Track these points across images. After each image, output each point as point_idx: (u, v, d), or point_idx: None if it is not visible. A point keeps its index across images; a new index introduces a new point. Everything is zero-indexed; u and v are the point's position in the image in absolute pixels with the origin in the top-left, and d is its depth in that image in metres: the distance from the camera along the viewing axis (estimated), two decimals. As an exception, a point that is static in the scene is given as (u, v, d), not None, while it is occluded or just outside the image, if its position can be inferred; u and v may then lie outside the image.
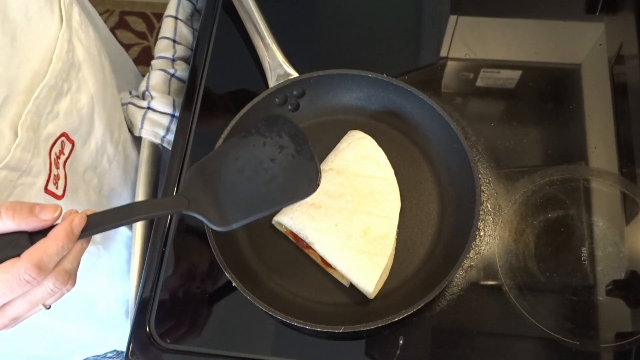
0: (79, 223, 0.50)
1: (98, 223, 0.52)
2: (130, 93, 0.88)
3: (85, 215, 0.51)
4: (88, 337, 0.90)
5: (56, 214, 0.49)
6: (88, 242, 0.54)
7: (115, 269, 0.83)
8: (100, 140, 0.74)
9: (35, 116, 0.60)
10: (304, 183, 0.62)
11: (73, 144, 0.68)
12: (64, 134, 0.66)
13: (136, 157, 0.87)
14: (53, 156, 0.64)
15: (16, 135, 0.57)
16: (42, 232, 0.49)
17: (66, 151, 0.67)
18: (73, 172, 0.69)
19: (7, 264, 0.47)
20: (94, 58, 0.72)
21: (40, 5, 0.60)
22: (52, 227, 0.49)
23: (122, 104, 0.86)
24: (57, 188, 0.65)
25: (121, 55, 0.96)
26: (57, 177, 0.65)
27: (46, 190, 0.62)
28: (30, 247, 0.48)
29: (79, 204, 0.69)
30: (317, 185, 0.61)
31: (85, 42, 0.70)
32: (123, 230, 0.81)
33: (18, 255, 0.47)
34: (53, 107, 0.63)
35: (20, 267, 0.46)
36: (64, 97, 0.65)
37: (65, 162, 0.67)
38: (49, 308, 0.53)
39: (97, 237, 0.74)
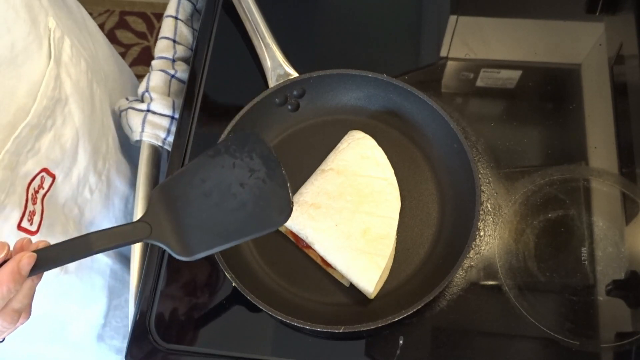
0: (27, 263, 0.47)
1: (51, 259, 0.49)
2: (128, 99, 0.88)
3: (33, 254, 0.48)
4: (60, 358, 0.88)
5: (2, 255, 0.47)
6: (40, 277, 0.51)
7: (87, 296, 0.81)
8: (83, 172, 0.73)
9: (14, 155, 0.58)
10: (275, 213, 0.57)
11: (54, 177, 0.66)
12: (44, 170, 0.64)
13: (121, 184, 0.85)
14: (31, 191, 0.62)
15: None
16: None
17: (46, 185, 0.65)
18: (52, 205, 0.68)
19: None
20: (83, 90, 0.71)
21: (28, 42, 0.59)
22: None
23: (121, 111, 0.86)
24: (31, 224, 0.63)
25: (117, 64, 0.95)
26: (32, 213, 0.63)
27: (19, 227, 0.60)
28: None
29: (53, 239, 0.66)
30: (288, 216, 0.57)
31: (74, 75, 0.68)
32: (99, 258, 0.79)
33: None
34: (34, 144, 0.61)
35: None
36: (47, 133, 0.63)
37: (44, 195, 0.65)
38: (2, 341, 0.51)
39: (70, 267, 0.73)
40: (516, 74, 0.87)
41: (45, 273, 0.50)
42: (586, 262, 0.73)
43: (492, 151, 0.80)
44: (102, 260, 0.81)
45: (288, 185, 0.58)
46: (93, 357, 0.91)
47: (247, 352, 0.70)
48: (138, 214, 0.81)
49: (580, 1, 0.91)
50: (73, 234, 0.72)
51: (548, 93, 0.85)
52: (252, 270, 0.73)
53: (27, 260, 0.47)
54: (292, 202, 0.58)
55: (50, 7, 0.67)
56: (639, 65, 0.83)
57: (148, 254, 0.76)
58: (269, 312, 0.66)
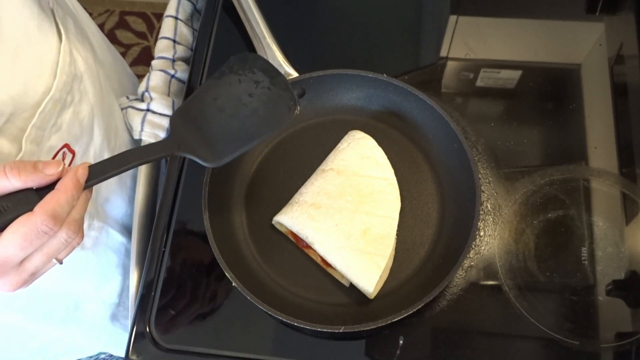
0: (82, 173, 0.52)
1: (99, 172, 0.54)
2: (128, 98, 0.88)
3: (86, 166, 0.53)
4: (73, 340, 0.89)
5: (60, 169, 0.51)
6: (91, 192, 0.55)
7: (102, 273, 0.83)
8: (98, 149, 0.75)
9: (40, 130, 0.61)
10: (284, 111, 0.64)
11: (74, 154, 0.69)
12: (66, 145, 0.67)
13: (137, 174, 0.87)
14: None
15: (20, 149, 0.58)
16: (47, 188, 0.51)
17: (67, 162, 0.68)
18: None
19: (23, 218, 0.48)
20: (92, 68, 0.73)
21: (38, 21, 0.61)
22: (55, 182, 0.51)
23: (122, 109, 0.86)
24: None
25: (115, 60, 0.96)
26: None
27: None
28: (40, 201, 0.49)
29: None
30: (296, 110, 0.63)
31: (83, 52, 0.70)
32: (114, 235, 0.81)
33: (31, 210, 0.49)
34: (57, 119, 0.64)
35: (36, 219, 0.48)
36: (67, 109, 0.66)
37: None
38: (61, 263, 0.54)
39: (86, 242, 0.75)
40: (516, 74, 0.87)
41: None
42: (586, 262, 0.73)
43: (492, 151, 0.80)
44: (117, 238, 0.82)
45: (290, 86, 0.65)
46: (107, 337, 0.92)
47: (247, 352, 0.70)
48: (138, 214, 0.81)
49: (580, 1, 0.91)
50: (90, 210, 0.74)
51: (548, 93, 0.85)
52: (252, 270, 0.73)
53: (82, 170, 0.52)
54: (297, 99, 0.64)
55: None
56: (639, 65, 0.83)
57: (148, 253, 0.76)
58: (269, 312, 0.66)
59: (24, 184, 0.49)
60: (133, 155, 0.57)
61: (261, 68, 0.65)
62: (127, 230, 0.86)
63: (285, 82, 0.65)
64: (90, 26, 0.87)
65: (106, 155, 0.77)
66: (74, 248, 0.54)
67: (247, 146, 0.62)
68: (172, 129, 0.62)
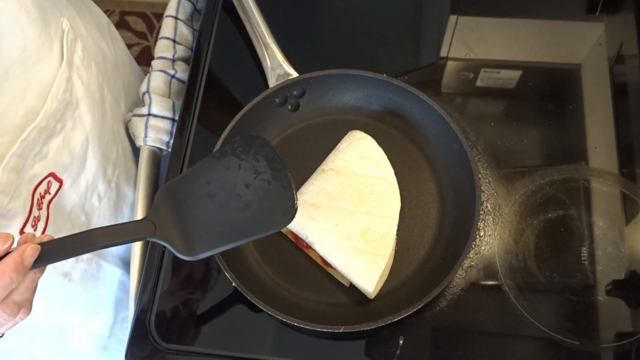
0: (30, 254, 0.46)
1: (54, 252, 0.48)
2: (131, 111, 0.87)
3: (37, 246, 0.47)
4: None
5: (6, 245, 0.46)
6: (42, 272, 0.50)
7: (92, 305, 0.80)
8: (91, 179, 0.72)
9: (20, 158, 0.57)
10: (279, 213, 0.58)
11: (61, 183, 0.65)
12: (51, 174, 0.63)
13: (131, 192, 0.84)
14: (37, 196, 0.61)
15: None
16: None
17: (52, 190, 0.64)
18: (58, 211, 0.67)
19: None
20: (94, 94, 0.70)
21: (39, 43, 0.58)
22: (3, 256, 0.47)
23: (126, 123, 0.85)
24: (35, 230, 0.62)
25: (134, 70, 0.94)
26: (37, 219, 0.62)
27: (22, 232, 0.60)
28: None
29: None
30: (293, 217, 0.58)
31: (85, 78, 0.67)
32: (107, 268, 0.78)
33: None
34: (42, 148, 0.61)
35: None
36: (56, 136, 0.62)
37: (50, 201, 0.64)
38: (1, 336, 0.51)
39: (74, 274, 0.72)
40: (516, 74, 0.87)
41: (48, 280, 0.51)
42: (586, 262, 0.73)
43: (492, 151, 0.80)
44: (110, 271, 0.80)
45: (293, 186, 0.59)
46: None
47: (247, 352, 0.70)
48: (138, 215, 0.81)
49: (580, 1, 0.91)
50: None
51: (548, 93, 0.85)
52: (252, 270, 0.73)
53: (30, 251, 0.46)
54: (297, 204, 0.58)
55: (65, 9, 0.66)
56: (639, 65, 0.83)
57: (148, 253, 0.76)
58: (269, 312, 0.66)
59: None
60: (100, 235, 0.51)
61: (266, 157, 0.59)
62: (122, 262, 0.83)
63: (288, 180, 0.59)
64: (118, 41, 0.84)
65: (100, 185, 0.74)
66: (16, 324, 0.50)
67: (227, 246, 0.57)
68: (155, 207, 0.56)
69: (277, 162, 0.59)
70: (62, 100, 0.62)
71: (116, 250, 0.82)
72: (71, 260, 0.71)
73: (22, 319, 0.50)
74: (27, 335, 0.73)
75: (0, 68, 0.54)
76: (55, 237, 0.57)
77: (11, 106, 0.56)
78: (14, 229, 0.59)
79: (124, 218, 0.84)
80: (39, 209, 0.62)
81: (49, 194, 0.64)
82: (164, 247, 0.57)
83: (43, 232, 0.63)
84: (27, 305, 0.50)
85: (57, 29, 0.63)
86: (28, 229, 0.60)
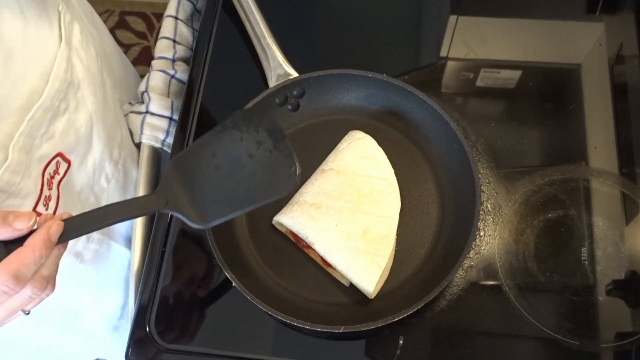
0: (56, 230, 0.49)
1: (75, 228, 0.51)
2: (131, 103, 0.88)
3: (61, 222, 0.50)
4: (71, 348, 0.88)
5: (31, 223, 0.48)
6: (65, 247, 0.52)
7: (103, 286, 0.81)
8: (98, 160, 0.73)
9: (28, 138, 0.59)
10: (283, 180, 0.60)
11: (69, 163, 0.67)
12: (59, 154, 0.65)
13: (137, 174, 0.86)
14: (47, 176, 0.62)
15: (6, 157, 0.56)
16: (18, 240, 0.48)
17: (61, 171, 0.66)
18: (68, 192, 0.68)
19: None
20: (94, 76, 0.71)
21: (38, 24, 0.59)
22: (28, 234, 0.48)
23: (124, 116, 0.86)
24: (47, 209, 0.63)
25: (122, 62, 0.95)
26: (48, 198, 0.63)
27: (34, 211, 0.60)
28: (5, 257, 0.46)
29: None
30: (296, 182, 0.60)
31: (85, 60, 0.68)
32: (117, 249, 0.80)
33: None
34: (48, 127, 0.62)
35: None
36: (60, 116, 0.64)
37: (59, 181, 0.66)
38: (28, 313, 0.52)
39: (85, 255, 0.74)
40: (516, 74, 0.87)
41: (61, 261, 0.52)
42: (586, 262, 0.73)
43: (492, 151, 0.80)
44: (120, 252, 0.81)
45: (294, 154, 0.61)
46: (107, 345, 0.91)
47: (247, 352, 0.70)
48: (139, 219, 0.81)
49: (580, 1, 0.91)
50: None
51: (548, 93, 0.85)
52: (252, 270, 0.73)
53: (55, 227, 0.49)
54: (299, 170, 0.61)
55: None
56: (639, 65, 0.83)
57: (148, 253, 0.76)
58: (269, 312, 0.66)
59: None
60: (116, 210, 0.54)
61: (266, 128, 0.62)
62: (131, 243, 0.84)
63: (288, 149, 0.61)
64: (103, 31, 0.86)
65: (107, 167, 0.76)
66: (42, 300, 0.52)
67: (237, 212, 0.59)
68: (164, 182, 0.58)
69: (277, 132, 0.62)
70: (64, 80, 0.63)
71: (125, 232, 0.83)
72: (83, 240, 0.73)
73: (47, 295, 0.51)
74: (39, 320, 0.75)
75: (4, 49, 0.55)
76: None
77: (16, 87, 0.57)
78: (26, 208, 0.60)
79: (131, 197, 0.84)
80: (49, 188, 0.63)
81: (58, 174, 0.65)
82: (179, 218, 0.58)
83: (54, 212, 0.65)
84: (52, 281, 0.51)
85: (55, 11, 0.64)
86: (40, 209, 0.62)
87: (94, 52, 0.72)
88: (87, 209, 0.71)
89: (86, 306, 0.81)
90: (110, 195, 0.78)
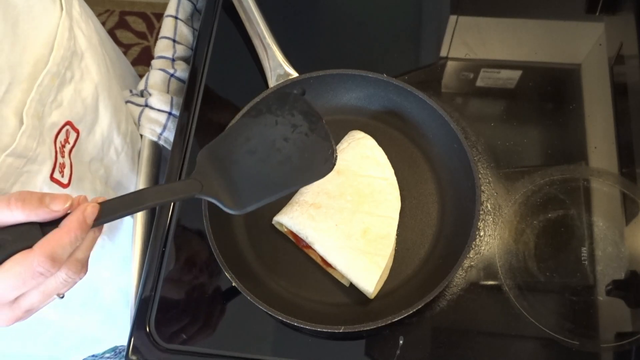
0: (92, 212, 0.49)
1: (110, 211, 0.51)
2: (131, 92, 0.88)
3: (97, 204, 0.50)
4: (89, 330, 0.89)
5: (67, 205, 0.48)
6: (100, 230, 0.52)
7: (119, 258, 0.82)
8: (106, 131, 0.74)
9: (39, 104, 0.59)
10: (320, 163, 0.60)
11: (78, 133, 0.68)
12: (68, 123, 0.65)
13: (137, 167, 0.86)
14: (58, 144, 0.63)
15: (21, 122, 0.57)
16: (54, 222, 0.48)
17: (71, 140, 0.66)
18: (78, 162, 0.69)
19: (20, 256, 0.46)
20: (96, 48, 0.72)
21: None
22: (63, 216, 0.48)
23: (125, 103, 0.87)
24: (62, 176, 0.64)
25: (119, 57, 0.96)
26: (62, 166, 0.64)
27: (52, 178, 0.62)
28: (42, 238, 0.47)
29: (84, 193, 0.68)
30: (334, 165, 0.59)
31: (86, 31, 0.70)
32: (127, 219, 0.80)
33: (30, 247, 0.46)
34: (57, 95, 0.63)
35: (33, 259, 0.46)
36: (67, 85, 0.65)
37: (70, 150, 0.67)
38: (62, 297, 0.53)
39: (103, 227, 0.74)
40: (516, 74, 0.87)
41: None
42: (586, 262, 0.73)
43: (492, 151, 0.80)
44: (129, 222, 0.81)
45: (331, 136, 0.60)
46: (120, 327, 0.91)
47: (247, 352, 0.70)
48: (139, 218, 0.81)
49: (580, 1, 0.91)
50: (101, 192, 0.74)
51: (548, 93, 0.85)
52: (252, 270, 0.73)
53: (91, 209, 0.49)
54: (337, 152, 0.60)
55: None
56: (639, 65, 0.83)
57: (148, 253, 0.76)
58: (269, 312, 0.66)
59: (27, 217, 0.47)
60: (150, 195, 0.54)
61: (301, 110, 0.61)
62: (146, 216, 0.84)
63: (325, 131, 0.60)
64: (96, 23, 0.87)
65: (116, 139, 0.77)
66: (76, 283, 0.52)
67: (273, 196, 0.58)
68: (198, 167, 0.58)
69: (312, 114, 0.61)
70: (68, 48, 0.64)
71: None
72: None
73: (81, 279, 0.51)
74: (63, 299, 0.75)
75: (11, 17, 0.55)
76: (78, 188, 0.62)
77: (24, 54, 0.58)
78: (44, 175, 0.61)
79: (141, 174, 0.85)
80: (62, 156, 0.64)
81: (69, 143, 0.66)
82: (214, 203, 0.58)
83: (69, 179, 0.65)
84: (85, 265, 0.51)
85: None
86: (57, 175, 0.62)
87: (92, 26, 0.73)
88: (97, 181, 0.73)
89: (105, 280, 0.81)
90: (120, 168, 0.79)
